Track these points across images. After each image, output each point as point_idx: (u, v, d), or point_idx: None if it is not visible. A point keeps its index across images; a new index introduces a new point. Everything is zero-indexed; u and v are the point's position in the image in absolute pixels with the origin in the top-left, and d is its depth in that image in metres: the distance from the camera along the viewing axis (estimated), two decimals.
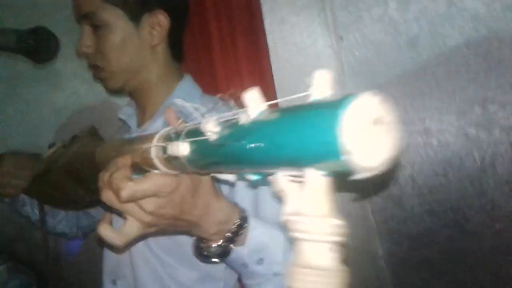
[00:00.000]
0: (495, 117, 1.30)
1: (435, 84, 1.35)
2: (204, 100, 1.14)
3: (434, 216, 1.40)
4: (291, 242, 0.41)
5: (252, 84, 1.54)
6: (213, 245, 0.74)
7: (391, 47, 1.38)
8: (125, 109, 1.21)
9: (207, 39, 1.54)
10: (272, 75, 1.48)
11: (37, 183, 0.99)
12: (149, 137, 0.62)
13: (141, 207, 0.62)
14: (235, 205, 0.78)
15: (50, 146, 1.06)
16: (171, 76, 1.13)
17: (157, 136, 0.61)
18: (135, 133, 1.11)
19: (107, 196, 0.62)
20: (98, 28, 1.02)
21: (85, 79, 1.76)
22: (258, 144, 0.41)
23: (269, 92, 1.52)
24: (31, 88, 1.87)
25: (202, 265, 0.87)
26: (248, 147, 0.42)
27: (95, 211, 1.31)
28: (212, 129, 0.46)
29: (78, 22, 1.06)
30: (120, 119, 1.23)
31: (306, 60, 1.46)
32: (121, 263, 1.07)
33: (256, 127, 0.42)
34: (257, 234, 0.78)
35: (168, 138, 0.57)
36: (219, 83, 1.56)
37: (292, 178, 0.43)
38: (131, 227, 0.63)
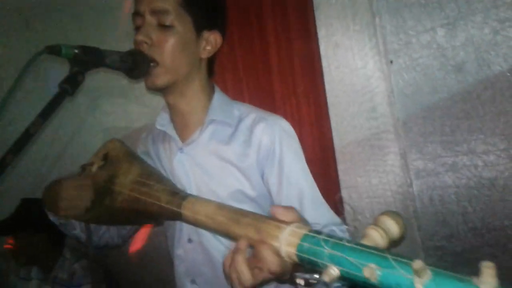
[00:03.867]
0: None
1: (480, 107, 1.42)
2: (239, 106, 1.25)
3: (478, 235, 1.45)
4: None
5: (307, 101, 1.68)
6: None
7: (438, 71, 1.47)
8: (161, 117, 1.28)
9: (267, 61, 1.70)
10: (325, 95, 1.61)
11: (93, 212, 1.12)
12: (273, 223, 0.73)
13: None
14: None
15: (84, 168, 1.18)
16: (208, 87, 1.24)
17: (287, 231, 0.70)
18: (182, 146, 1.20)
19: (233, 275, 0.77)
20: (164, 26, 1.09)
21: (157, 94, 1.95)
22: None
23: (322, 110, 1.64)
24: (109, 100, 2.10)
25: None
26: None
27: None
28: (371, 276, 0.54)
29: (141, 15, 1.11)
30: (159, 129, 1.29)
31: (358, 81, 1.57)
32: (198, 263, 1.20)
33: None
34: None
35: (310, 242, 0.64)
36: (277, 101, 1.70)
37: None
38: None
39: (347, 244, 0.59)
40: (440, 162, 1.49)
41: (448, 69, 1.46)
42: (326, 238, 0.62)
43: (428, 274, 0.49)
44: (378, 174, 1.56)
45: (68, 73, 0.89)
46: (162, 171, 1.23)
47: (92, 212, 1.12)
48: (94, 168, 1.15)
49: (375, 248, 0.57)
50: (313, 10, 1.61)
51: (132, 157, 1.16)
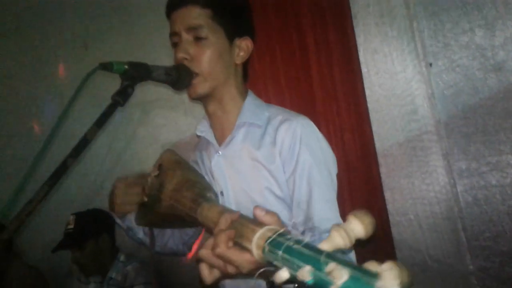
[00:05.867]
0: None
1: None
2: (270, 108, 1.30)
3: None
4: None
5: (347, 107, 1.72)
6: None
7: (478, 71, 1.48)
8: (201, 125, 1.34)
9: (307, 69, 1.77)
10: (365, 99, 1.65)
11: (144, 215, 1.21)
12: (251, 227, 0.76)
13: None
14: None
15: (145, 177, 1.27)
16: (243, 91, 1.29)
17: (258, 235, 0.72)
18: (219, 149, 1.27)
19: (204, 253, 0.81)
20: (200, 40, 1.18)
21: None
22: None
23: (363, 115, 1.68)
24: (161, 114, 2.22)
25: None
26: None
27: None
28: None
29: (177, 34, 1.20)
30: (199, 136, 1.36)
31: (398, 85, 1.60)
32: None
33: None
34: None
35: (273, 245, 0.67)
36: (317, 108, 1.75)
37: None
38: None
39: (295, 246, 0.61)
40: (484, 162, 1.49)
41: (488, 69, 1.47)
42: (282, 240, 0.64)
43: (345, 276, 0.51)
44: (421, 175, 1.58)
45: (119, 86, 0.99)
46: (206, 176, 1.31)
47: (146, 217, 1.22)
48: (151, 178, 1.26)
49: (318, 251, 0.58)
50: (351, 18, 1.66)
51: (178, 165, 1.25)
